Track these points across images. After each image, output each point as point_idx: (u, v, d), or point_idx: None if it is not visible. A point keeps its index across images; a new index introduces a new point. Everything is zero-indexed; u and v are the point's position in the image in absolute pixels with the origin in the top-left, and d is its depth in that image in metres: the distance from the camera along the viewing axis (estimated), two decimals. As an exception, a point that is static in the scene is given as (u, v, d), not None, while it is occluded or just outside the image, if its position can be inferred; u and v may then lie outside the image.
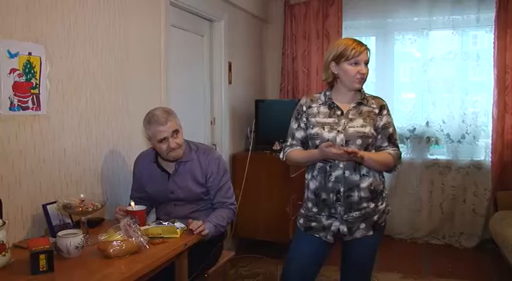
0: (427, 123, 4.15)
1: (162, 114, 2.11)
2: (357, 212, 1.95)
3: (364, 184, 1.94)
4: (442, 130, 4.12)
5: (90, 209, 1.80)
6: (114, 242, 1.64)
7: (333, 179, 1.94)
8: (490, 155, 3.92)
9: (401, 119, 4.28)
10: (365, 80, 2.01)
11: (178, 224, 1.92)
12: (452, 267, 3.54)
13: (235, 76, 3.83)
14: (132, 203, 2.05)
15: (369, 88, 4.33)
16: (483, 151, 4.06)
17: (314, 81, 4.32)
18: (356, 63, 1.96)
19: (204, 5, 3.30)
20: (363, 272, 2.09)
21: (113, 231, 1.70)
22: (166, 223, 1.93)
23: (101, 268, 1.54)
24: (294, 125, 2.08)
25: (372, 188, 1.96)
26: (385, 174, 2.06)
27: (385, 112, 2.02)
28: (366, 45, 2.02)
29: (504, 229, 3.23)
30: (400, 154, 2.03)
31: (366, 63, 2.01)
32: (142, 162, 2.32)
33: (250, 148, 3.82)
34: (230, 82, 3.74)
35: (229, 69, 3.72)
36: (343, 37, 4.22)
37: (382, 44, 4.29)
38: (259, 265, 3.55)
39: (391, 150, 1.98)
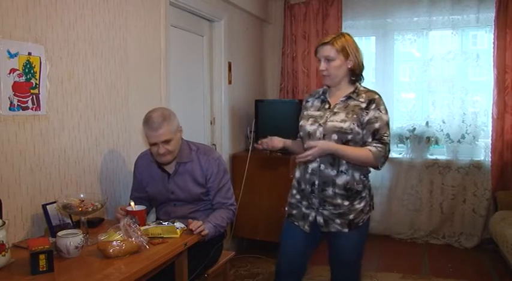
0: (427, 123, 4.15)
1: (157, 120, 2.06)
2: (331, 207, 1.97)
3: (340, 181, 1.95)
4: (442, 130, 4.12)
5: (90, 209, 1.80)
6: (114, 242, 1.64)
7: (309, 171, 1.99)
8: (490, 155, 3.92)
9: (401, 119, 4.29)
10: (330, 76, 1.97)
11: (178, 224, 1.92)
12: (452, 267, 3.54)
13: (235, 76, 3.83)
14: (132, 203, 2.05)
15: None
16: (483, 151, 4.06)
17: (314, 81, 4.32)
18: (320, 60, 1.99)
19: (204, 5, 3.30)
20: (347, 268, 2.10)
21: (113, 231, 1.70)
22: (166, 223, 1.93)
23: (101, 268, 1.54)
24: (299, 119, 2.15)
25: (348, 186, 1.96)
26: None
27: (373, 107, 1.94)
28: (329, 40, 1.95)
29: (504, 229, 3.23)
30: (387, 151, 1.94)
31: (329, 59, 1.95)
32: (142, 162, 2.32)
33: (250, 148, 3.82)
34: (230, 82, 3.74)
35: (229, 69, 3.72)
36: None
37: (382, 44, 4.29)
38: (259, 265, 3.55)
39: (372, 147, 1.91)
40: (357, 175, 1.97)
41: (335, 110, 1.98)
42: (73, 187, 2.12)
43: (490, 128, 3.91)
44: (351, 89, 2.01)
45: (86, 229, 1.82)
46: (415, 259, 3.75)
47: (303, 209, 2.05)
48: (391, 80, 4.28)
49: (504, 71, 3.79)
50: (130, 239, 1.67)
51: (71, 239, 1.62)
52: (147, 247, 1.71)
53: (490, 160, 3.92)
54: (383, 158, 1.94)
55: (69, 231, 1.68)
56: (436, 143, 4.16)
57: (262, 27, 4.47)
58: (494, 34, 3.79)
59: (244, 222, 3.71)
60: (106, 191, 2.33)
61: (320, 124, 1.97)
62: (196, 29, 3.40)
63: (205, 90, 3.56)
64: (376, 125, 1.93)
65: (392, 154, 4.31)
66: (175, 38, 3.02)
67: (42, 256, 1.48)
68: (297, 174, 2.09)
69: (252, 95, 4.17)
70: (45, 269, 1.49)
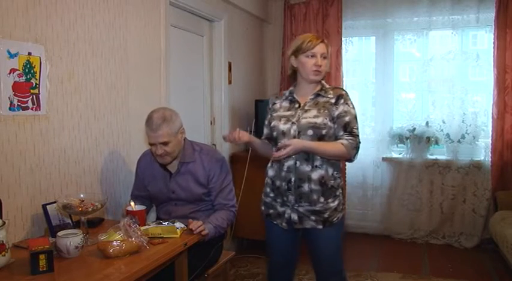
0: (427, 123, 4.14)
1: (157, 121, 2.06)
2: (307, 204, 2.02)
3: (316, 176, 2.01)
4: (442, 130, 4.11)
5: (90, 209, 1.80)
6: (114, 242, 1.64)
7: (285, 169, 2.03)
8: (490, 155, 3.91)
9: (401, 119, 4.29)
10: (322, 72, 2.07)
11: (178, 224, 1.92)
12: (452, 267, 3.54)
13: (235, 76, 3.83)
14: (132, 203, 2.05)
15: (368, 88, 4.39)
16: (483, 151, 4.06)
17: (314, 81, 4.31)
18: (312, 56, 2.03)
19: (204, 5, 3.30)
20: (327, 266, 2.13)
21: (113, 231, 1.70)
22: (166, 223, 1.93)
23: (101, 268, 1.54)
24: (265, 122, 2.22)
25: (323, 181, 2.02)
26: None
27: (341, 101, 2.04)
28: (322, 39, 2.07)
29: (504, 229, 3.23)
30: (358, 143, 2.02)
31: (324, 56, 2.06)
32: (145, 161, 2.33)
33: (250, 148, 3.81)
34: (230, 82, 3.74)
35: (229, 69, 3.72)
36: (342, 37, 4.23)
37: (382, 44, 4.29)
38: (258, 265, 3.55)
39: (344, 140, 1.99)
40: (330, 170, 2.04)
41: (306, 107, 2.06)
42: (73, 187, 2.12)
43: (490, 128, 3.91)
44: (318, 87, 2.11)
45: (86, 229, 1.82)
46: (415, 259, 3.75)
47: (278, 207, 2.11)
48: (391, 80, 4.29)
49: (504, 71, 3.78)
50: (130, 239, 1.67)
51: (71, 239, 1.62)
52: (147, 247, 1.71)
53: (490, 160, 3.92)
54: (355, 149, 2.02)
55: (69, 231, 1.68)
56: (436, 143, 4.16)
57: (262, 27, 4.47)
58: (494, 34, 3.79)
59: (245, 222, 3.71)
60: (106, 191, 2.33)
61: (293, 122, 2.03)
62: (196, 29, 3.40)
63: (205, 90, 3.56)
64: (346, 119, 2.02)
65: (392, 154, 4.32)
66: (175, 38, 3.02)
67: (42, 256, 1.48)
68: (271, 172, 2.12)
69: (252, 95, 4.16)
70: (45, 269, 1.49)
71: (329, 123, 2.00)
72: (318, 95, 2.08)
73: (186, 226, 1.96)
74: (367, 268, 3.49)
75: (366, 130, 4.40)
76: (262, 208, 2.20)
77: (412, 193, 4.24)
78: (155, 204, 2.38)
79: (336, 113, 2.02)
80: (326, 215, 2.03)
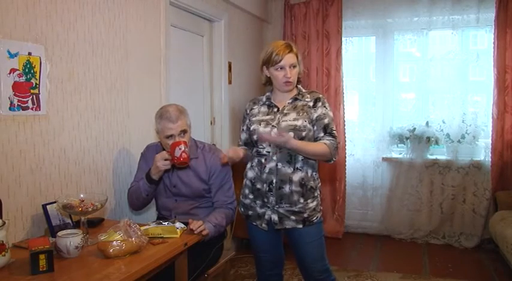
0: (427, 123, 4.15)
1: (174, 112, 2.14)
2: (287, 205, 2.06)
3: (296, 177, 2.05)
4: (442, 130, 4.12)
5: (90, 209, 1.80)
6: (114, 242, 1.64)
7: (267, 171, 2.07)
8: (490, 155, 3.91)
9: (401, 119, 4.29)
10: (293, 82, 2.09)
11: (178, 224, 1.92)
12: (452, 267, 3.54)
13: (235, 76, 3.83)
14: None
15: (369, 88, 4.39)
16: (483, 151, 4.06)
17: (314, 82, 4.32)
18: (281, 68, 2.06)
19: (204, 5, 3.30)
20: (311, 264, 2.14)
21: (113, 231, 1.70)
22: (166, 223, 1.93)
23: (101, 268, 1.54)
24: (241, 128, 2.27)
25: (303, 182, 2.06)
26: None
27: (319, 104, 2.10)
28: (290, 48, 2.07)
29: (504, 229, 3.23)
30: (337, 143, 2.09)
31: (294, 66, 2.07)
32: (150, 153, 2.34)
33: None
34: (230, 82, 3.73)
35: (229, 69, 3.72)
36: (342, 37, 4.22)
37: (382, 44, 4.29)
38: (259, 265, 3.55)
39: (326, 140, 2.04)
40: (309, 172, 2.09)
41: (285, 111, 2.10)
42: (73, 187, 2.12)
43: (490, 128, 3.91)
44: (295, 91, 2.15)
45: (86, 229, 1.82)
46: (415, 259, 3.75)
47: (257, 208, 2.14)
48: (391, 80, 4.29)
49: (504, 71, 3.79)
50: (130, 239, 1.67)
51: (71, 239, 1.62)
52: (147, 247, 1.71)
53: (490, 160, 3.92)
54: (336, 149, 2.08)
55: (69, 231, 1.68)
56: (436, 143, 4.16)
57: (262, 27, 4.47)
58: (494, 34, 3.79)
59: (244, 222, 3.70)
60: (106, 191, 2.33)
61: (273, 125, 2.07)
62: (196, 29, 3.39)
63: (205, 90, 3.56)
64: (326, 121, 2.08)
65: (392, 154, 4.32)
66: (175, 38, 3.02)
67: (42, 256, 1.48)
68: (250, 174, 2.16)
69: (252, 95, 4.11)
70: (45, 269, 1.49)
71: (308, 125, 2.06)
72: (295, 99, 2.13)
73: (186, 223, 1.96)
74: (367, 268, 3.49)
75: (366, 130, 4.41)
76: (241, 209, 2.24)
77: (412, 193, 4.24)
78: (156, 199, 2.37)
79: (315, 115, 2.07)
80: (306, 215, 2.08)
